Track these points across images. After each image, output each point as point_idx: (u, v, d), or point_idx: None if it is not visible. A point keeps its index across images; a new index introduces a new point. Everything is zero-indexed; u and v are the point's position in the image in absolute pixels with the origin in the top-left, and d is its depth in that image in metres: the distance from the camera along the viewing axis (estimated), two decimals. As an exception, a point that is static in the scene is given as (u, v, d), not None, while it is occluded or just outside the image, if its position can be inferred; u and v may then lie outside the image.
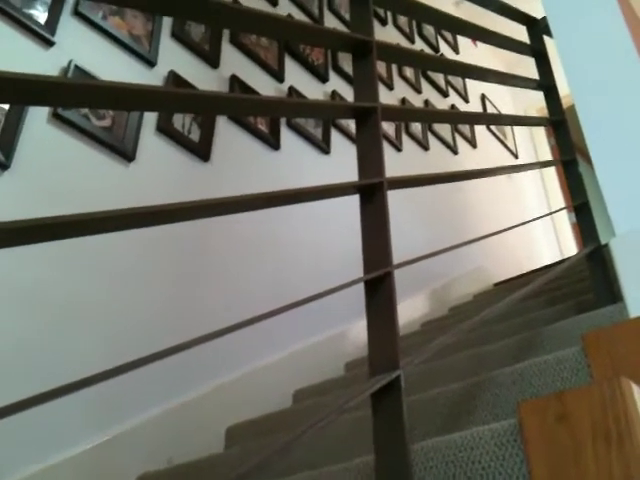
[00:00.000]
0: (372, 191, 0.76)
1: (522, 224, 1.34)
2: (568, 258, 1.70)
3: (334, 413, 0.57)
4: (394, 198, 0.98)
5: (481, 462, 0.74)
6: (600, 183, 1.38)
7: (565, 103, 1.69)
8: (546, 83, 1.59)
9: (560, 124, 1.54)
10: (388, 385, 0.64)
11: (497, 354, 1.29)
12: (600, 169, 1.38)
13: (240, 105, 0.74)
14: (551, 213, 1.57)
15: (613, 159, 1.38)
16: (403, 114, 1.03)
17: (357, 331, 2.37)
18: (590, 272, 1.41)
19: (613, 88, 1.43)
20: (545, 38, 1.80)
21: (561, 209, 1.87)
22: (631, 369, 0.88)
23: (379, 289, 0.70)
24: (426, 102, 3.67)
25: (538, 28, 1.71)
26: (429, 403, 1.09)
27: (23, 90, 0.54)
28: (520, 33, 1.76)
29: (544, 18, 1.70)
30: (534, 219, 1.45)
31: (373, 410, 0.66)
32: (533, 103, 4.85)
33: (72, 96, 0.59)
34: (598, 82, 1.45)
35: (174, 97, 0.61)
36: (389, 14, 3.67)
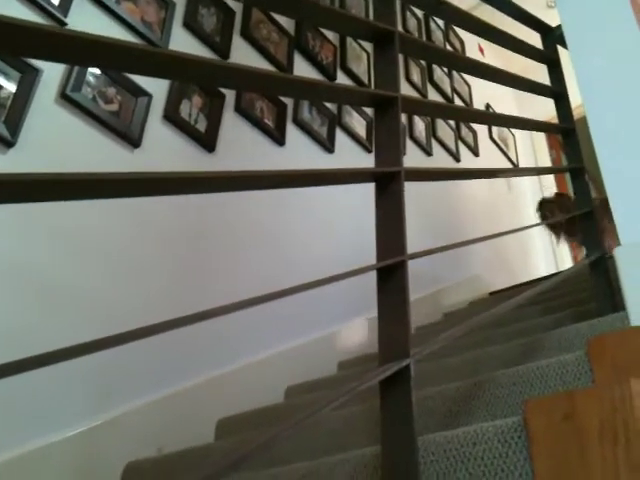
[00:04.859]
0: (389, 180, 0.75)
1: (522, 229, 1.34)
2: (571, 267, 1.70)
3: (342, 398, 0.57)
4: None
5: (483, 458, 0.73)
6: (608, 192, 1.38)
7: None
8: (558, 90, 1.59)
9: (570, 132, 1.55)
10: (398, 373, 0.63)
11: (497, 358, 1.29)
12: (609, 178, 1.38)
13: (256, 79, 0.72)
14: (549, 222, 1.56)
15: (622, 169, 1.38)
16: (423, 107, 1.03)
17: (351, 330, 2.36)
18: (592, 281, 1.41)
19: (625, 99, 1.43)
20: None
21: (563, 217, 1.86)
22: (634, 376, 0.88)
23: (392, 278, 0.70)
24: (431, 108, 3.67)
25: (552, 36, 1.71)
26: (427, 401, 1.08)
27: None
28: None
29: (559, 26, 1.70)
30: (532, 225, 1.45)
31: (381, 398, 0.65)
32: (538, 115, 4.86)
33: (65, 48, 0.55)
34: (610, 92, 1.45)
35: (209, 66, 0.59)
36: (399, 16, 3.67)
